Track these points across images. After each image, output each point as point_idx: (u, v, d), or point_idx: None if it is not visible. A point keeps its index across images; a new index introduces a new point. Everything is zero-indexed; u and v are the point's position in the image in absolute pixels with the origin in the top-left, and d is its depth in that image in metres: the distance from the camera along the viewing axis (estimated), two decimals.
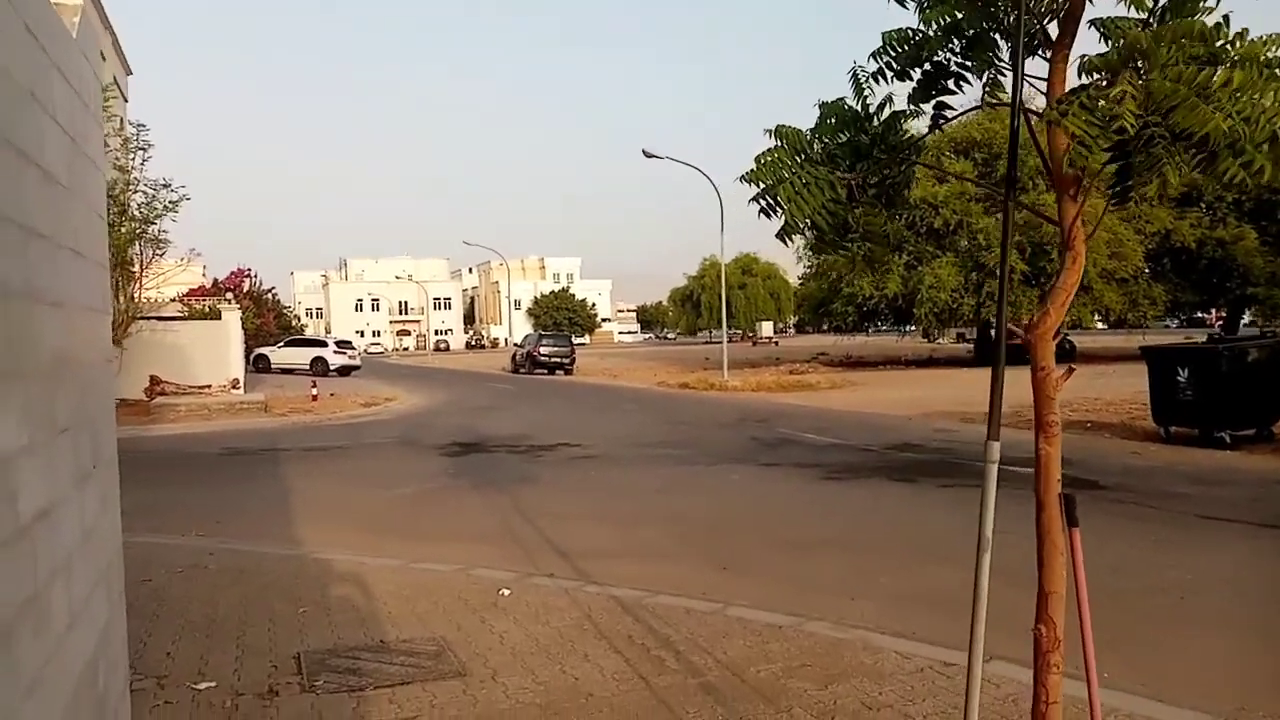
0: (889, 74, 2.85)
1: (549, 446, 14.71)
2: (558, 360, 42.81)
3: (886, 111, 3.01)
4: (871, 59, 2.86)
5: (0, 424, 2.04)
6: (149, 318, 24.93)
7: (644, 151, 29.23)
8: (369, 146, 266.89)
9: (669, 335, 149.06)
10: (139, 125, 23.63)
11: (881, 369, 36.75)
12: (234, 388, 24.81)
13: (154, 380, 23.18)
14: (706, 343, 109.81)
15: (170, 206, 21.93)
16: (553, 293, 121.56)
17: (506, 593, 6.10)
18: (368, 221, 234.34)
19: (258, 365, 40.67)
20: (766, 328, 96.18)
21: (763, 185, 2.80)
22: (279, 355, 41.78)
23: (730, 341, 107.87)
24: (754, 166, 2.80)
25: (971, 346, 54.50)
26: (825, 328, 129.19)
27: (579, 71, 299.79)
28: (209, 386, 24.05)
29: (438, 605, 5.87)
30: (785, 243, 3.14)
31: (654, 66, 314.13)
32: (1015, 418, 17.67)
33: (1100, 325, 47.38)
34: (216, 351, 25.19)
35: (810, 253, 40.07)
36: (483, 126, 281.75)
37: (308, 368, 39.61)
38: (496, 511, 9.41)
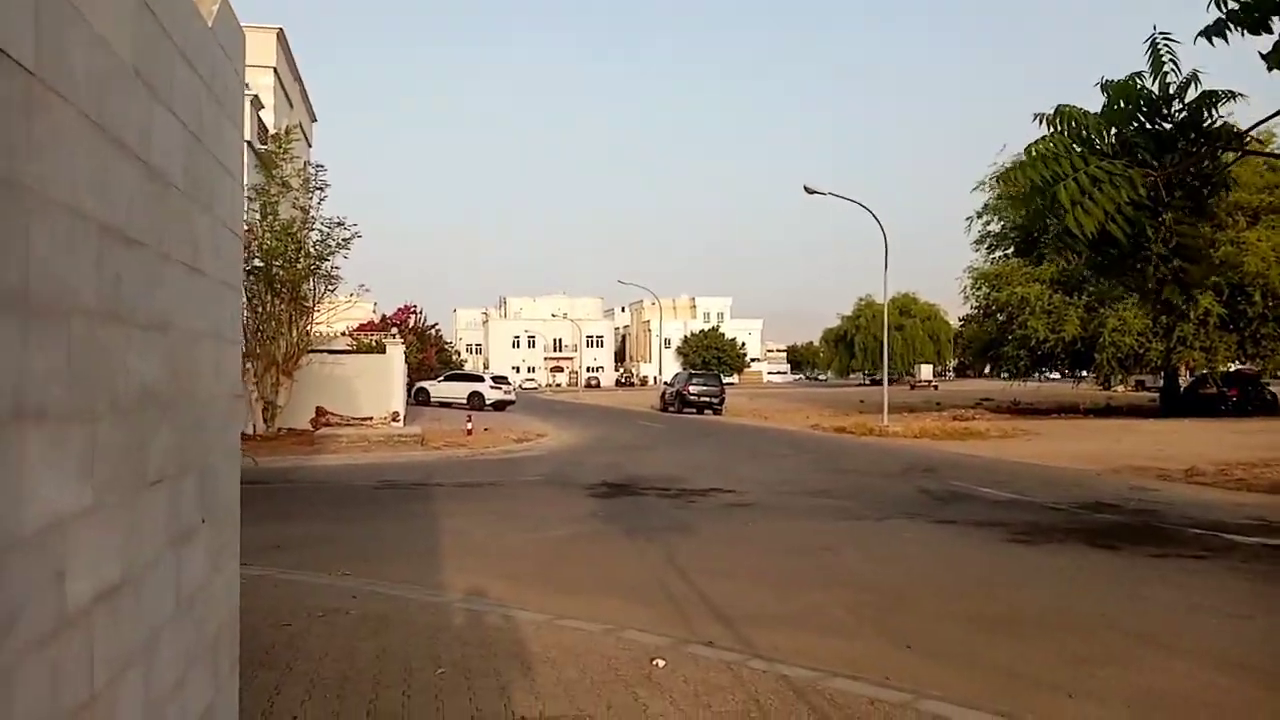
0: (1234, 28, 2.10)
1: (701, 491, 14.04)
2: (707, 400, 42.23)
3: (1193, 92, 2.25)
4: (1211, 7, 2.12)
5: (47, 479, 1.57)
6: (319, 350, 25.96)
7: (805, 188, 28.42)
8: (529, 187, 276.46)
9: (820, 376, 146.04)
10: (317, 166, 24.82)
11: (1054, 418, 34.26)
12: (394, 420, 25.38)
13: (320, 411, 24.00)
14: (860, 385, 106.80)
15: (343, 244, 22.80)
16: (702, 331, 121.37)
17: (661, 663, 5.44)
18: (527, 261, 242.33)
19: (418, 398, 41.94)
20: (925, 371, 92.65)
21: (1034, 182, 2.10)
22: (438, 389, 42.96)
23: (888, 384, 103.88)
24: (1023, 158, 2.11)
25: (1156, 395, 50.57)
26: (988, 371, 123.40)
27: (736, 108, 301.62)
28: (371, 419, 24.68)
29: (585, 674, 5.27)
30: (1066, 259, 2.42)
31: (813, 99, 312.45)
32: (1221, 476, 15.87)
33: None
34: (380, 384, 25.89)
35: (975, 289, 38.01)
36: (638, 166, 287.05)
37: (465, 402, 40.52)
38: (648, 563, 8.80)
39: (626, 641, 5.95)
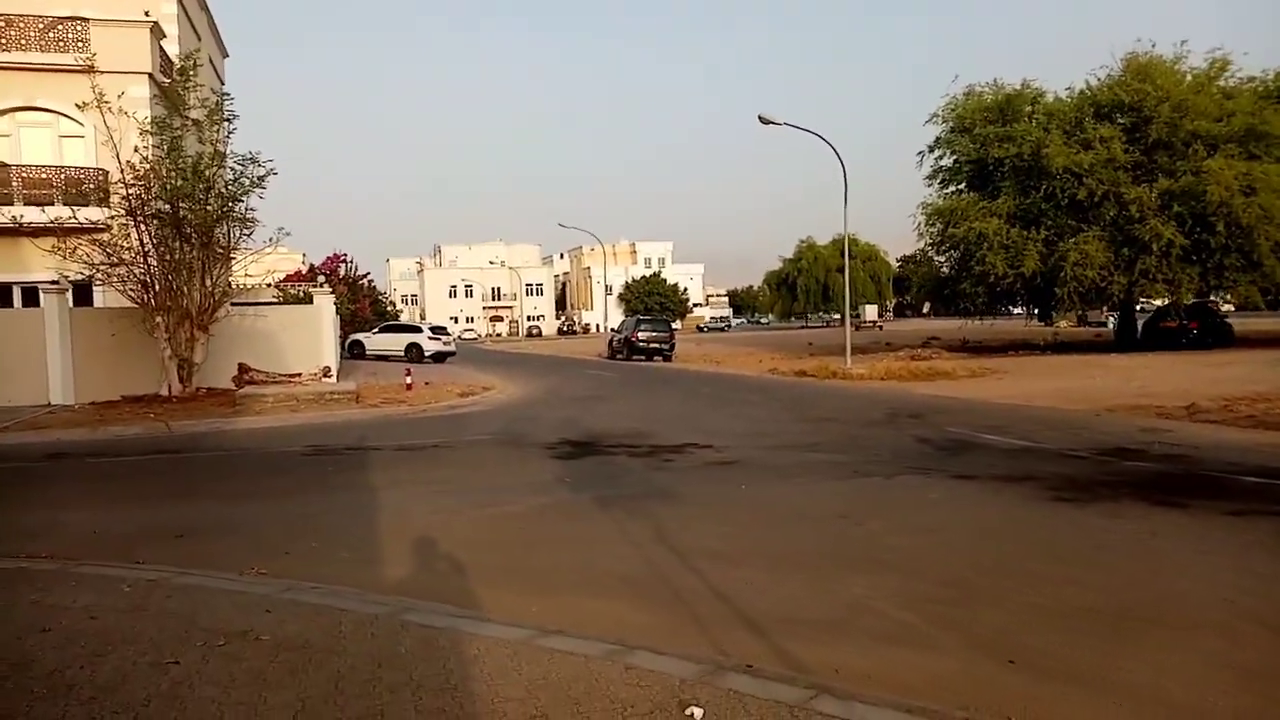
0: None
1: (676, 448, 12.52)
2: (657, 346, 40.74)
3: None
4: None
5: None
6: (240, 303, 23.70)
7: (760, 118, 26.64)
8: (461, 133, 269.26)
9: (762, 320, 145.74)
10: (224, 94, 22.31)
11: (1010, 355, 33.48)
12: (325, 376, 23.34)
13: (242, 368, 21.87)
14: (803, 327, 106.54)
15: (257, 182, 20.50)
16: (644, 278, 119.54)
17: (698, 714, 3.90)
18: (462, 209, 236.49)
19: (353, 351, 39.74)
20: (870, 311, 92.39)
21: None
22: (374, 342, 40.75)
23: (829, 326, 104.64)
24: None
25: (1099, 331, 50.45)
26: (926, 311, 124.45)
27: (665, 52, 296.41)
28: (299, 375, 22.61)
29: None
30: None
31: (754, 29, 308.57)
32: (1228, 413, 14.85)
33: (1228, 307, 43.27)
34: (308, 338, 23.82)
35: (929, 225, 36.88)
36: (571, 110, 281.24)
37: (403, 354, 38.46)
38: (635, 544, 7.25)
39: (639, 673, 4.39)
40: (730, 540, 7.32)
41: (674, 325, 47.53)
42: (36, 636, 5.12)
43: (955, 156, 36.86)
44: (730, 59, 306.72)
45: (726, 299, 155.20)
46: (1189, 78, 33.45)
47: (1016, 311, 44.99)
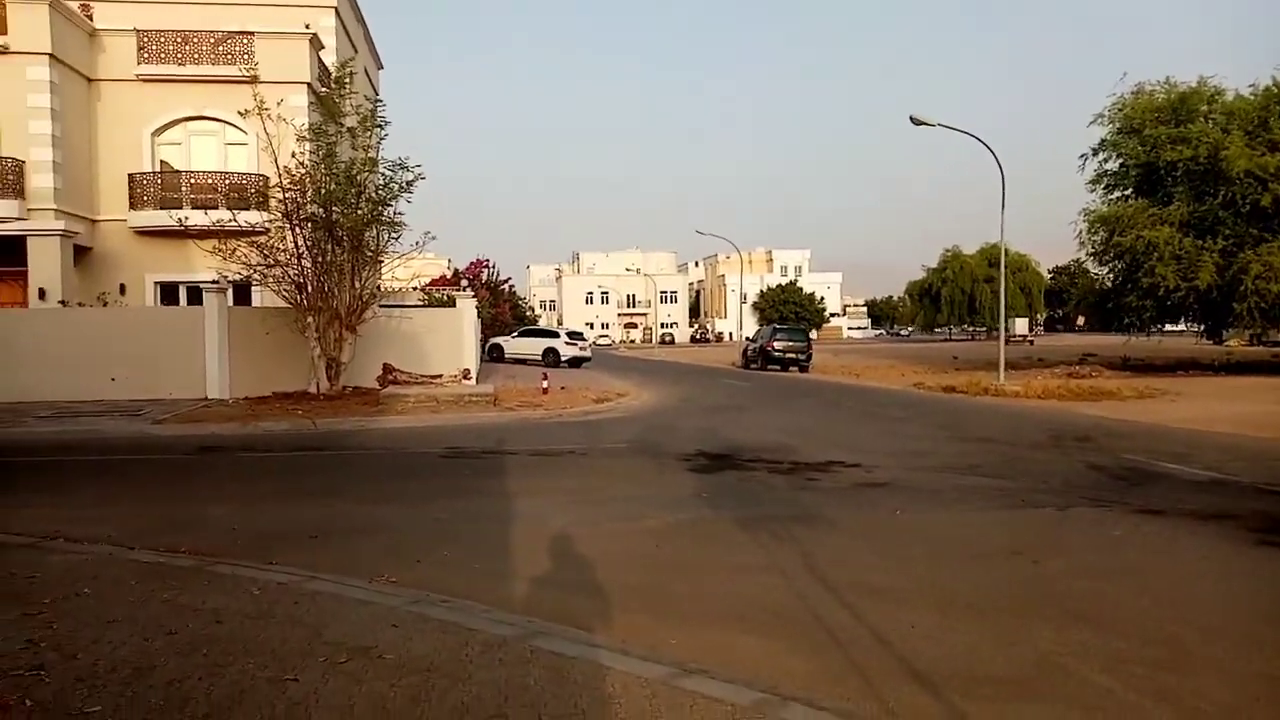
0: None
1: (820, 465, 11.81)
2: (793, 356, 39.77)
3: None
4: None
5: None
6: (387, 305, 24.30)
7: (912, 118, 25.46)
8: (601, 140, 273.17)
9: (903, 332, 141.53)
10: (377, 101, 22.91)
11: (1179, 375, 30.92)
12: (465, 378, 23.64)
13: (387, 368, 22.35)
14: (946, 340, 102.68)
15: (406, 186, 20.90)
16: (779, 286, 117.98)
17: None
18: (600, 216, 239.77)
19: (492, 355, 40.43)
20: (1020, 325, 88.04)
21: None
22: (512, 345, 41.36)
23: (974, 339, 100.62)
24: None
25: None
26: (1080, 325, 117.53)
27: (806, 57, 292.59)
28: (440, 376, 22.96)
29: None
30: None
31: (902, 34, 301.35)
32: None
33: None
34: (450, 340, 24.15)
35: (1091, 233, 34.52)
36: (711, 118, 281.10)
37: (539, 358, 38.90)
38: (782, 572, 6.66)
39: None
40: (889, 575, 6.63)
41: (811, 335, 46.43)
42: (163, 639, 4.98)
43: (1122, 160, 34.46)
44: (874, 61, 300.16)
45: (865, 309, 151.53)
46: None
47: (1180, 329, 41.75)
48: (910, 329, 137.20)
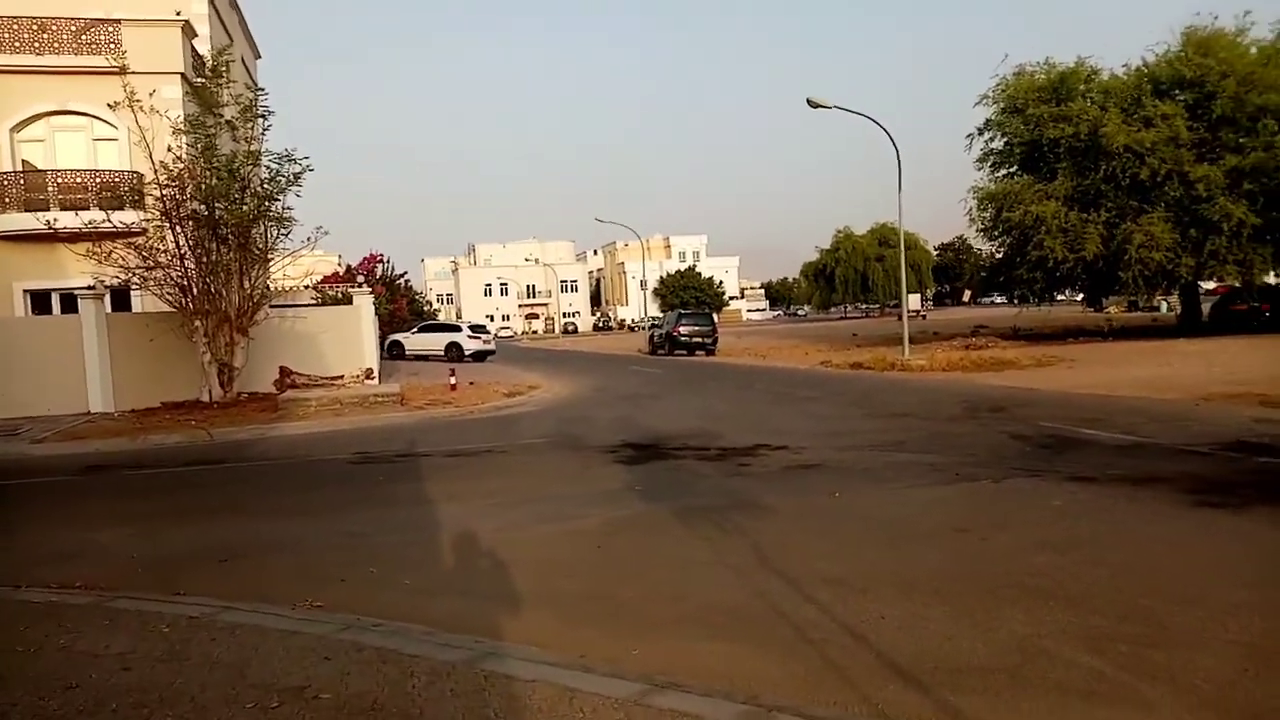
0: None
1: (747, 450, 11.62)
2: (699, 340, 39.90)
3: None
4: None
5: None
6: (279, 305, 23.17)
7: (809, 100, 25.57)
8: (492, 129, 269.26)
9: (799, 312, 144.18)
10: (259, 89, 21.73)
11: (1070, 343, 32.12)
12: (368, 378, 22.74)
13: (284, 372, 21.32)
14: (842, 318, 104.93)
15: (293, 179, 19.88)
16: (679, 272, 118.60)
17: None
18: (494, 207, 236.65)
19: (392, 352, 39.24)
20: (914, 300, 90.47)
21: None
22: (413, 342, 40.24)
23: (869, 316, 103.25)
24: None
25: (1154, 316, 48.67)
26: (966, 299, 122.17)
27: (695, 37, 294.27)
28: (341, 377, 22.02)
29: None
30: None
31: (791, 16, 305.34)
32: None
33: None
34: (349, 339, 23.21)
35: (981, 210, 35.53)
36: (601, 103, 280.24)
37: (442, 354, 37.94)
38: (732, 566, 6.39)
39: None
40: (842, 561, 6.42)
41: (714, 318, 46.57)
42: (61, 696, 4.36)
43: (1007, 139, 35.48)
44: (761, 43, 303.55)
45: (763, 291, 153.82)
46: (1254, 50, 31.83)
47: (1061, 298, 43.41)
48: (806, 309, 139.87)
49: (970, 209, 36.04)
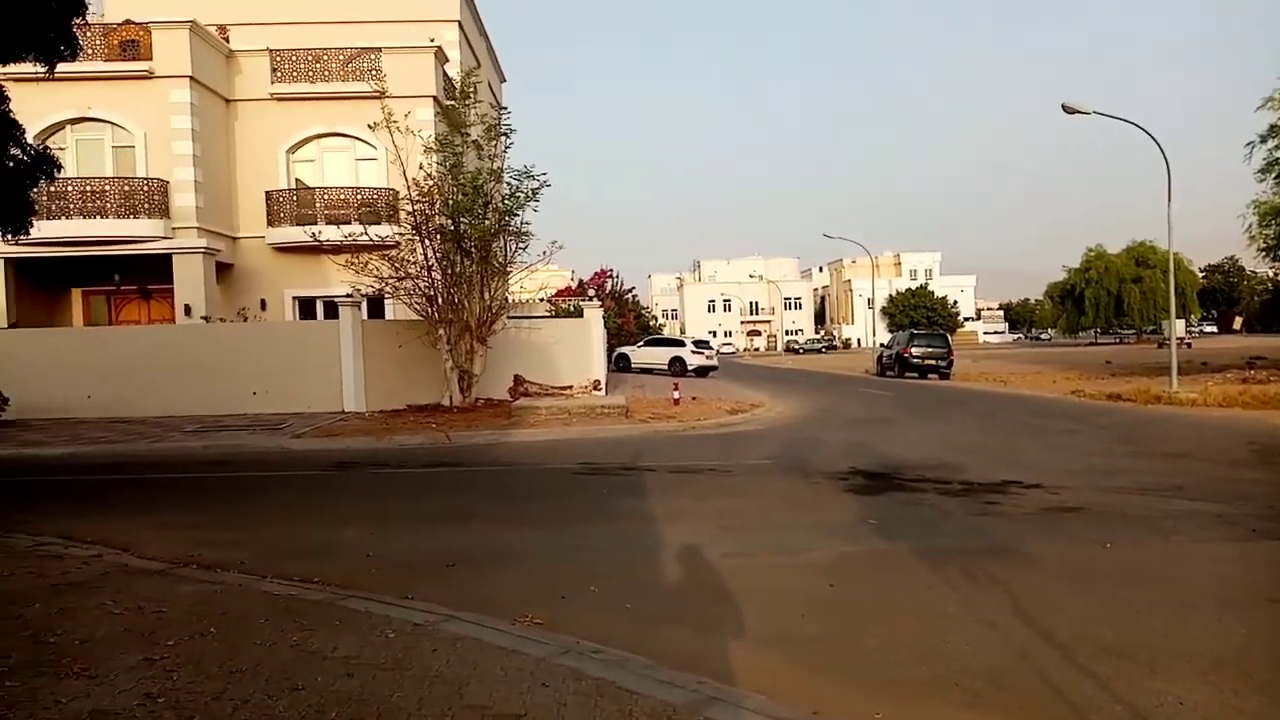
0: None
1: (995, 486, 10.57)
2: (932, 363, 37.79)
3: None
4: None
5: None
6: (515, 316, 24.07)
7: (1064, 107, 23.55)
8: (722, 148, 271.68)
9: (1042, 336, 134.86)
10: (502, 108, 22.67)
11: None
12: (595, 389, 23.13)
13: (518, 380, 22.05)
14: (1091, 344, 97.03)
15: (532, 195, 20.54)
16: (909, 290, 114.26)
17: None
18: (721, 224, 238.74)
19: (618, 364, 39.98)
20: (1179, 326, 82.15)
21: None
22: (639, 355, 40.81)
23: (1122, 343, 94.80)
24: None
25: None
26: (1237, 327, 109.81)
27: (935, 53, 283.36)
28: (571, 387, 22.52)
29: None
30: None
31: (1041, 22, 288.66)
32: None
33: None
34: (579, 351, 23.70)
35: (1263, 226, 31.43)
36: (828, 121, 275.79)
37: (666, 367, 38.20)
38: (988, 621, 5.62)
39: None
40: (1122, 627, 5.49)
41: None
42: (287, 699, 4.36)
43: None
44: (1017, 52, 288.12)
45: (1001, 313, 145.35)
46: None
47: None
48: (1050, 333, 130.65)
49: (1249, 226, 32.00)
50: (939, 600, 6.10)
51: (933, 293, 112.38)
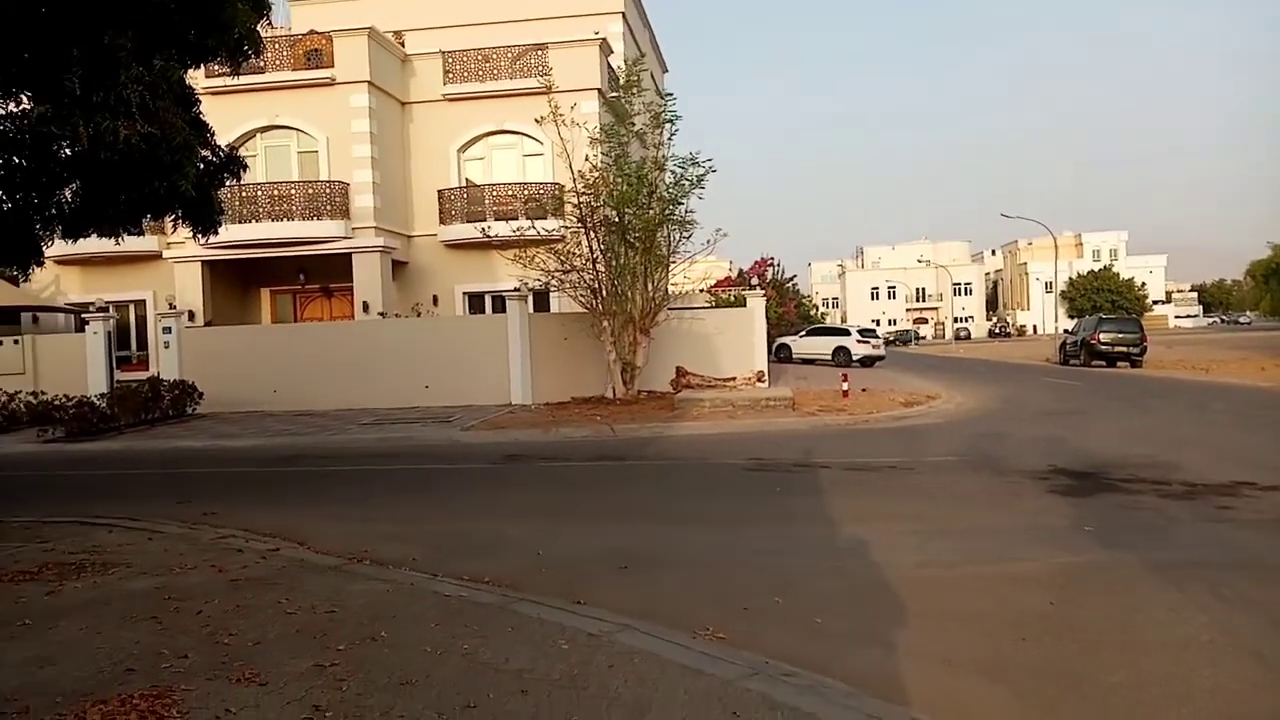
0: None
1: (1225, 488, 9.33)
2: (1123, 350, 34.99)
3: None
4: None
5: None
6: (676, 308, 23.73)
7: None
8: (886, 129, 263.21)
9: (1241, 319, 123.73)
10: (668, 95, 22.33)
11: None
12: (759, 381, 22.50)
13: (680, 372, 21.70)
14: None
15: (696, 182, 20.11)
16: (1091, 273, 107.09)
17: None
18: (884, 208, 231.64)
19: (779, 355, 39.10)
20: None
21: None
22: (800, 345, 39.77)
23: None
24: None
25: None
26: None
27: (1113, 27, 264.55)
28: (734, 379, 21.98)
29: None
30: None
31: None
32: None
33: None
34: (741, 341, 23.11)
35: None
36: (1007, 92, 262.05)
37: (829, 358, 37.05)
38: (1251, 650, 4.75)
39: None
40: None
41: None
42: (460, 716, 4.06)
43: None
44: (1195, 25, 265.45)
45: (1194, 295, 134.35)
46: None
47: None
48: (1250, 316, 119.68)
49: None
50: (1187, 625, 5.23)
51: (1117, 275, 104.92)
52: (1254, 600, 5.60)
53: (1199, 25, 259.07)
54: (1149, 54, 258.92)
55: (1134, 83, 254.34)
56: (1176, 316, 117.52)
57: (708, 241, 21.56)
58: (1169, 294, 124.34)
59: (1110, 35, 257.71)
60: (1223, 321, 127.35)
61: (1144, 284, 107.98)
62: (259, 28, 9.93)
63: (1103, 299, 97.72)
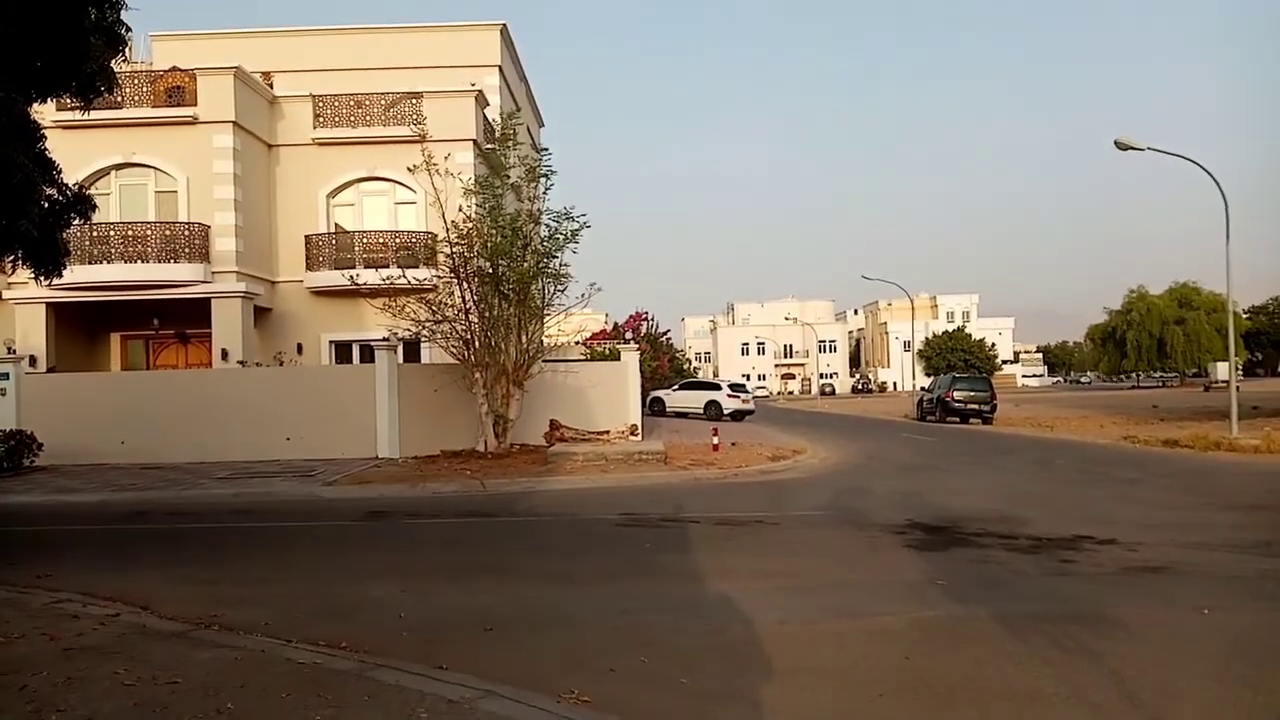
0: None
1: (1066, 541, 9.89)
2: (975, 407, 37.04)
3: None
4: None
5: None
6: (550, 360, 23.69)
7: (1117, 143, 22.99)
8: (750, 189, 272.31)
9: (1082, 379, 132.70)
10: (543, 150, 22.50)
11: None
12: (632, 434, 22.60)
13: (554, 425, 21.59)
14: (1134, 387, 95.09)
15: (571, 236, 20.26)
16: (946, 333, 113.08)
17: None
18: (753, 266, 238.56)
19: (653, 408, 39.44)
20: (1221, 369, 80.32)
21: None
22: (674, 399, 40.28)
23: (1165, 386, 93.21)
24: None
25: None
26: None
27: (967, 93, 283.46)
28: (608, 432, 22.01)
29: None
30: None
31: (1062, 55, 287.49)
32: None
33: None
34: (615, 395, 23.23)
35: None
36: (865, 161, 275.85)
37: (701, 411, 37.68)
38: (1092, 702, 5.00)
39: None
40: (1254, 713, 4.84)
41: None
42: None
43: None
44: (1049, 90, 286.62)
45: (1040, 356, 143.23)
46: None
47: None
48: (1090, 376, 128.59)
49: None
50: (1032, 677, 5.46)
51: (970, 335, 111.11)
52: (1092, 651, 5.91)
53: (1054, 95, 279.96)
54: (998, 134, 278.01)
55: (977, 156, 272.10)
56: (1024, 376, 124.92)
57: (583, 295, 21.71)
58: (1017, 354, 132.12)
59: (971, 104, 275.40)
60: (1065, 381, 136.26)
61: (994, 344, 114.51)
62: (114, 63, 9.52)
63: (956, 358, 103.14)
